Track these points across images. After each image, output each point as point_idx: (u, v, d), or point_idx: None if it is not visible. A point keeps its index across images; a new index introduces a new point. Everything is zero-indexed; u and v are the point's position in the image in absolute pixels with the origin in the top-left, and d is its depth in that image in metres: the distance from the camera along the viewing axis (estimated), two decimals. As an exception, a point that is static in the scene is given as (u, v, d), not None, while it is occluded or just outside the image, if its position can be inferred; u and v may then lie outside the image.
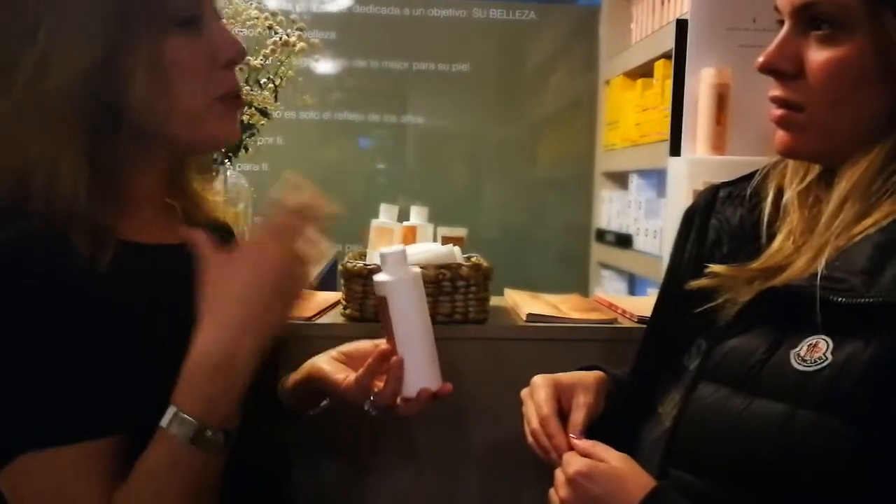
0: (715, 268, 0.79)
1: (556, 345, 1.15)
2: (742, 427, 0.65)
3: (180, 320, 0.73)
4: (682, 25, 1.42)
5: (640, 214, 2.35)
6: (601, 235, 2.70)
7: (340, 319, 1.17)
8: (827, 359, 0.62)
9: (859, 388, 0.59)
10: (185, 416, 0.65)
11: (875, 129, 0.68)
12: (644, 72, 2.44)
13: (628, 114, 2.49)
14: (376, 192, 2.81)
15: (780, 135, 0.75)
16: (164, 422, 0.65)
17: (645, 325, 1.14)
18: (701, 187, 1.38)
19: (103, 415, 0.66)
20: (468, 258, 1.17)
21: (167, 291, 0.73)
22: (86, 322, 0.65)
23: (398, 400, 0.85)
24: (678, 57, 1.43)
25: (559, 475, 0.75)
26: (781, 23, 0.72)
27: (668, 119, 2.10)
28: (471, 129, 2.91)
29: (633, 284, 2.55)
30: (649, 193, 2.38)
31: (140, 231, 0.76)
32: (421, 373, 0.84)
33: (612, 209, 2.64)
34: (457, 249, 1.14)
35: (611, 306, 1.28)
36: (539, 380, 0.88)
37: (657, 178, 2.42)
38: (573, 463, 0.73)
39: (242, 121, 1.11)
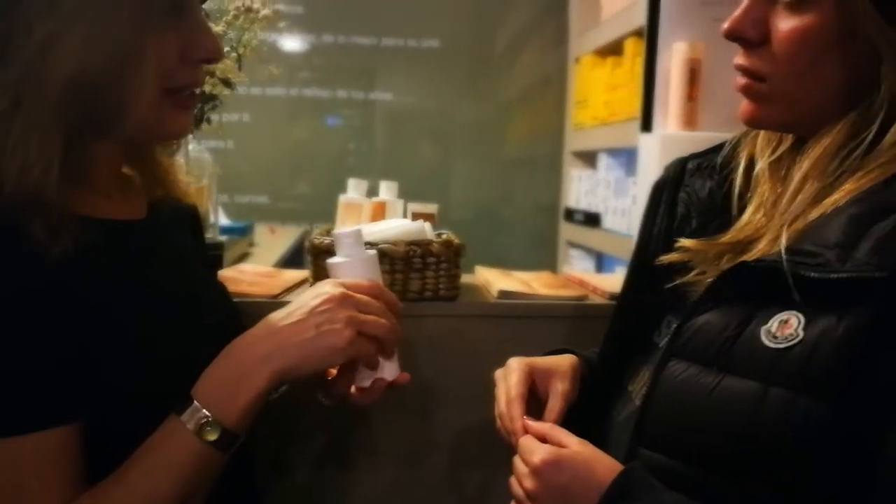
0: (684, 242, 0.78)
1: (527, 322, 1.14)
2: (712, 405, 0.64)
3: (141, 300, 0.71)
4: (654, 0, 1.40)
5: (609, 193, 2.35)
6: (570, 214, 2.69)
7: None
8: (798, 335, 0.61)
9: (832, 367, 0.58)
10: (208, 415, 0.65)
11: (839, 102, 0.67)
12: (614, 49, 2.42)
13: (598, 92, 2.48)
14: (344, 170, 2.76)
15: (744, 104, 0.74)
16: (185, 416, 0.65)
17: (615, 302, 1.14)
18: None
19: (59, 404, 0.63)
20: (439, 235, 1.15)
21: (125, 272, 0.71)
22: (40, 311, 0.63)
23: (352, 389, 0.81)
24: (651, 31, 1.41)
25: (519, 465, 0.73)
26: None
27: (639, 97, 2.09)
28: (440, 107, 2.88)
29: (601, 263, 2.56)
30: (618, 172, 2.38)
31: (98, 206, 0.73)
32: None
33: (581, 188, 2.64)
34: (428, 226, 1.12)
35: (581, 283, 1.27)
36: (514, 362, 0.86)
37: (626, 156, 2.41)
38: (537, 451, 0.70)
39: (204, 91, 1.07)
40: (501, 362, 1.11)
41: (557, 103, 2.87)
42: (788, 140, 0.75)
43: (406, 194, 1.28)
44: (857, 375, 0.57)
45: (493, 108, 2.95)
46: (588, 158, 2.70)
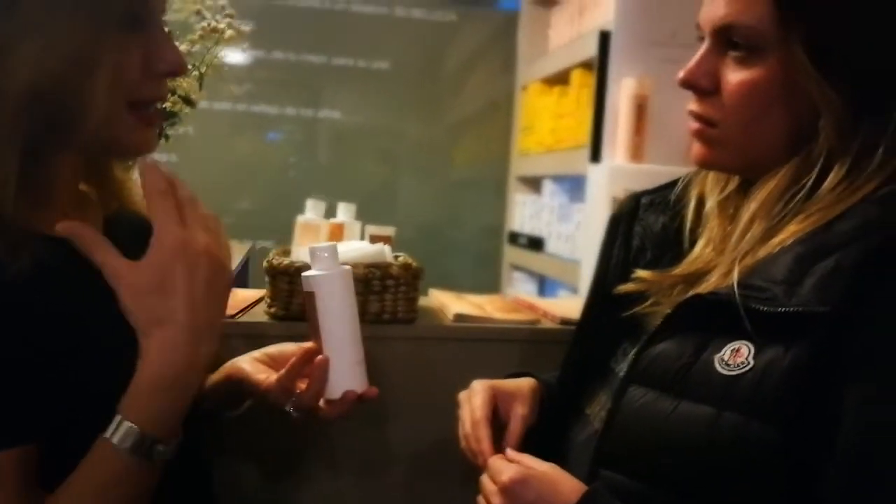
0: (640, 273, 0.83)
1: (482, 345, 1.16)
2: (670, 429, 0.68)
3: (96, 318, 0.70)
4: (605, 36, 1.46)
5: (553, 219, 2.41)
6: (514, 238, 2.75)
7: (264, 318, 1.14)
8: (749, 363, 0.65)
9: (780, 393, 0.62)
10: (134, 427, 0.63)
11: (784, 149, 0.72)
12: (561, 79, 2.50)
13: (544, 119, 2.55)
14: (289, 188, 2.75)
15: (696, 147, 0.79)
16: (110, 433, 0.63)
17: (566, 327, 1.18)
18: (620, 194, 1.43)
19: (14, 424, 0.63)
20: (396, 257, 1.17)
21: (80, 289, 0.70)
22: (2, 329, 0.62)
23: (321, 402, 0.82)
24: (601, 66, 1.47)
25: (487, 483, 0.75)
26: (702, 39, 0.76)
27: (584, 126, 2.17)
28: (388, 127, 2.91)
29: (544, 286, 2.62)
30: (562, 198, 2.45)
31: (52, 222, 0.71)
32: (346, 374, 0.81)
33: (525, 212, 2.70)
34: (387, 248, 1.13)
35: (531, 307, 1.30)
36: (477, 385, 0.88)
37: (570, 183, 2.49)
38: (505, 470, 0.73)
39: (165, 108, 1.07)
40: (458, 383, 1.13)
41: (504, 128, 2.94)
42: (735, 181, 0.81)
43: (367, 211, 1.29)
44: (803, 402, 0.62)
45: (440, 131, 2.99)
46: (533, 184, 2.77)
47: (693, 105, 0.77)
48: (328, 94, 2.78)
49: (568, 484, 0.71)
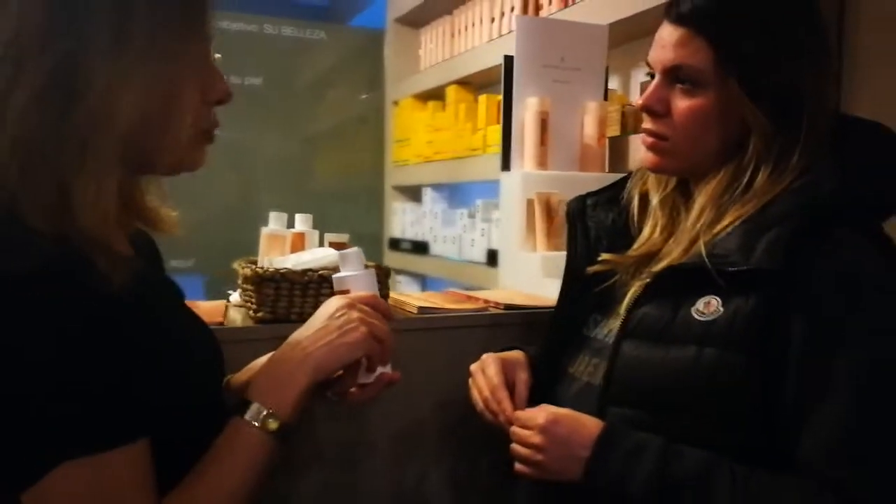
0: (605, 256, 1.03)
1: (445, 333, 1.31)
2: (665, 368, 0.88)
3: (171, 332, 0.77)
4: (508, 60, 1.67)
5: (437, 224, 2.60)
6: (395, 244, 2.90)
7: (249, 323, 1.20)
8: (720, 311, 0.87)
9: (745, 329, 0.84)
10: (266, 409, 0.75)
11: (720, 157, 0.95)
12: (435, 95, 2.70)
13: (420, 133, 2.73)
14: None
15: (649, 156, 0.99)
16: (248, 415, 0.75)
17: (511, 311, 1.36)
18: (532, 196, 1.65)
19: (139, 418, 0.68)
20: (362, 260, 1.28)
21: (159, 301, 0.78)
22: (112, 337, 0.67)
23: (352, 388, 0.91)
24: (506, 86, 1.68)
25: (520, 431, 0.91)
26: (652, 75, 0.98)
27: (463, 139, 2.38)
28: (259, 142, 2.93)
29: (425, 286, 2.80)
30: (443, 205, 2.65)
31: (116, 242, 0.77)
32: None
33: (405, 219, 2.86)
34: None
35: (470, 298, 1.47)
36: (488, 358, 1.05)
37: (449, 191, 2.69)
38: (538, 416, 0.90)
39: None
40: (428, 370, 1.27)
41: (376, 141, 3.08)
42: (673, 182, 1.03)
43: (229, 223, 1.34)
44: (763, 336, 0.84)
45: (312, 145, 3.06)
46: (410, 192, 2.94)
47: (648, 124, 0.98)
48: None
49: (589, 420, 0.89)
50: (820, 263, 0.84)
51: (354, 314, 0.83)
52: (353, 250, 0.94)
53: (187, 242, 1.02)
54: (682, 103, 0.93)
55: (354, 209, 3.06)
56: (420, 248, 2.69)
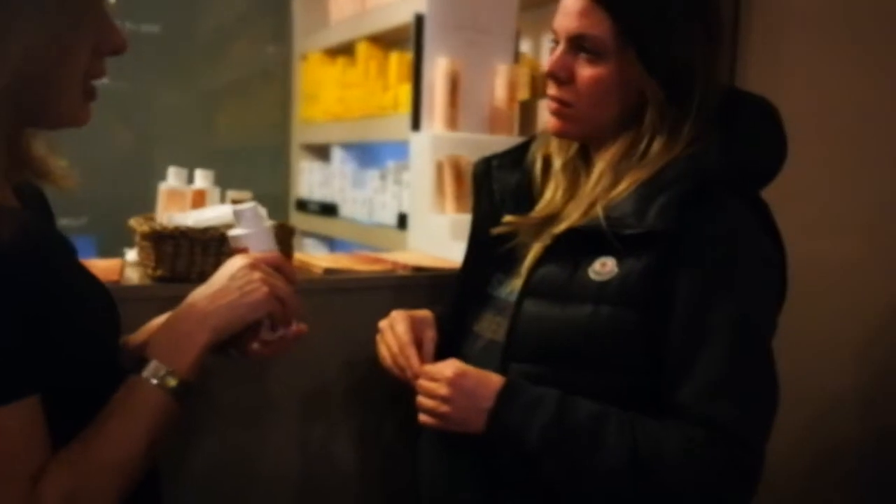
0: (508, 218, 1.05)
1: (352, 294, 1.30)
2: (563, 324, 0.92)
3: (68, 280, 0.75)
4: (419, 19, 1.65)
5: (346, 185, 2.56)
6: (303, 205, 2.83)
7: (147, 282, 1.15)
8: (615, 271, 0.92)
9: (638, 288, 0.90)
10: (165, 368, 0.74)
11: (619, 124, 0.99)
12: (345, 50, 2.63)
13: (329, 89, 2.66)
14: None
15: (553, 121, 1.02)
16: (146, 373, 0.73)
17: (419, 273, 1.37)
18: (441, 158, 1.64)
19: (30, 373, 0.66)
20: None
21: (48, 256, 0.74)
22: (6, 285, 0.65)
23: (255, 344, 0.89)
24: (417, 46, 1.66)
25: (427, 384, 0.93)
26: (556, 42, 0.99)
27: (374, 97, 2.34)
28: (156, 94, 2.79)
29: (334, 249, 2.76)
30: (353, 165, 2.60)
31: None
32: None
33: (313, 179, 2.80)
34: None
35: (378, 260, 1.46)
36: (397, 315, 1.05)
37: (360, 151, 2.65)
38: (445, 369, 0.92)
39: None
40: (334, 332, 1.26)
41: (282, 97, 2.97)
42: (575, 147, 1.06)
43: (123, 180, 1.31)
44: (653, 293, 0.89)
45: (210, 98, 2.93)
46: (318, 151, 2.87)
47: (552, 90, 1.00)
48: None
49: (493, 375, 0.93)
50: (703, 226, 0.91)
51: (256, 274, 0.82)
52: (249, 205, 0.90)
53: (79, 200, 0.98)
54: (585, 71, 0.96)
55: (259, 167, 2.96)
56: (328, 209, 2.64)
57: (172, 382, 0.74)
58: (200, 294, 0.81)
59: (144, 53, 2.64)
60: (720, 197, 0.92)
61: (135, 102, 2.68)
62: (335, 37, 2.65)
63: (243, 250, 0.90)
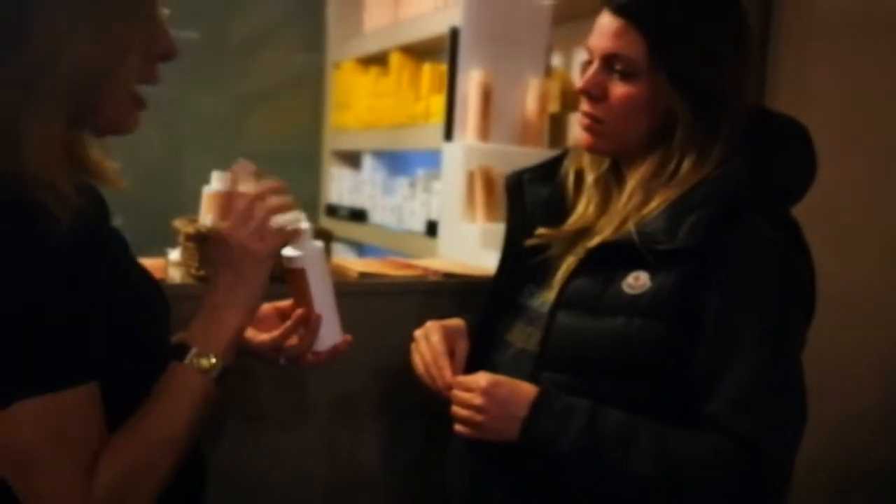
0: (542, 231, 1.09)
1: (385, 298, 1.34)
2: (596, 336, 0.95)
3: (124, 276, 0.80)
4: (455, 32, 1.69)
5: (377, 192, 2.61)
6: (333, 210, 2.89)
7: (189, 280, 1.20)
8: (648, 285, 0.94)
9: (670, 302, 0.92)
10: (201, 351, 0.78)
11: (648, 142, 1.02)
12: (378, 60, 2.68)
13: (361, 98, 2.71)
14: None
15: (585, 136, 1.05)
16: (187, 360, 0.78)
17: (449, 280, 1.40)
18: (473, 168, 1.68)
19: (91, 360, 0.70)
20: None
21: (106, 249, 0.78)
22: (70, 272, 0.68)
23: (308, 354, 0.95)
24: (451, 58, 1.70)
25: (462, 394, 0.96)
26: (590, 61, 1.02)
27: (406, 106, 2.39)
28: (192, 99, 2.84)
29: (363, 254, 2.81)
30: (383, 173, 2.65)
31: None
32: (331, 331, 0.96)
33: (343, 186, 2.85)
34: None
35: (409, 266, 1.50)
36: (431, 325, 1.09)
37: (390, 159, 2.70)
38: (480, 379, 0.95)
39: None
40: (366, 336, 1.29)
41: (314, 104, 3.03)
42: (607, 163, 1.09)
43: (158, 183, 1.33)
44: (684, 308, 0.92)
45: (244, 104, 2.99)
46: (349, 158, 2.92)
47: (585, 107, 1.04)
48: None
49: (526, 384, 0.95)
50: (732, 244, 0.93)
51: (240, 234, 0.83)
52: (306, 226, 0.94)
53: (115, 200, 1.03)
54: (617, 90, 0.99)
55: (290, 173, 2.92)
56: (358, 215, 2.69)
57: (208, 365, 0.78)
58: (213, 286, 0.84)
59: (183, 58, 2.70)
60: (749, 216, 0.94)
61: (170, 107, 2.75)
62: (368, 46, 2.71)
63: (300, 271, 0.93)
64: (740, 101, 0.99)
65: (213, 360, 0.79)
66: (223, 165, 1.52)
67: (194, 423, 0.77)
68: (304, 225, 0.94)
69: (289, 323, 0.94)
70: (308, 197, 3.01)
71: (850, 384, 1.60)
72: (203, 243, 1.17)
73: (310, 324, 0.93)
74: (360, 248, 2.82)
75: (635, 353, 0.93)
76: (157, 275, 1.20)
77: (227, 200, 0.87)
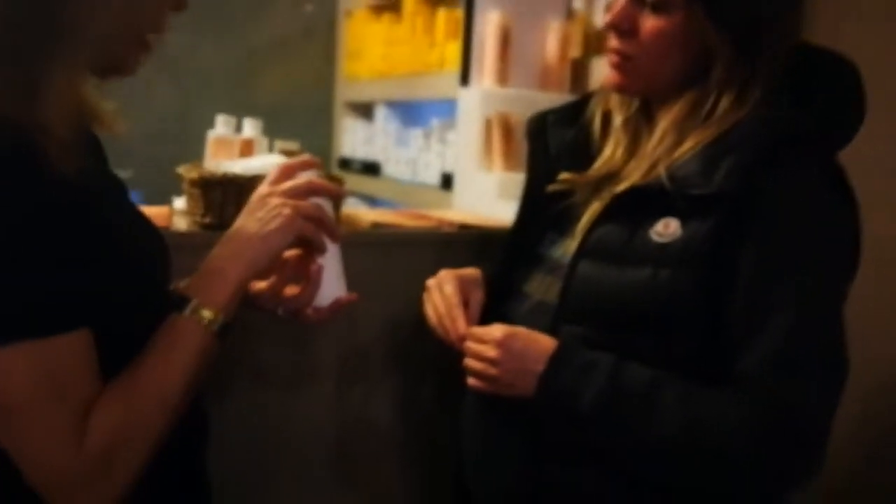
0: (565, 175, 1.02)
1: (398, 249, 1.28)
2: (620, 287, 0.89)
3: (124, 217, 0.78)
4: (472, -30, 1.60)
5: (390, 143, 2.54)
6: (346, 163, 2.82)
7: (195, 228, 1.15)
8: (679, 233, 0.88)
9: (702, 251, 0.85)
10: (202, 305, 0.74)
11: (682, 80, 0.94)
12: (390, 6, 2.59)
13: (374, 46, 2.63)
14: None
15: (613, 75, 0.98)
16: (186, 312, 0.74)
17: (465, 231, 1.34)
18: (490, 114, 1.61)
19: (84, 305, 0.66)
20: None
21: (105, 192, 0.76)
22: (62, 222, 0.65)
23: (308, 309, 0.89)
24: (468, 1, 1.62)
25: (475, 346, 0.91)
26: None
27: (420, 54, 2.30)
28: (200, 50, 2.76)
29: (376, 208, 2.75)
30: (396, 124, 2.58)
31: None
32: (334, 284, 0.89)
33: (356, 138, 2.78)
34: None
35: (423, 217, 1.44)
36: (445, 274, 1.03)
37: (404, 109, 2.62)
38: (494, 330, 0.90)
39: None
40: (378, 289, 1.25)
41: (325, 54, 2.95)
42: (636, 103, 1.02)
43: (167, 134, 1.31)
44: (718, 257, 0.85)
45: (255, 54, 2.91)
46: (362, 109, 2.85)
47: (613, 42, 0.96)
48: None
49: (544, 337, 0.90)
50: (773, 189, 0.86)
51: (274, 200, 0.81)
52: (309, 171, 0.87)
53: (124, 153, 0.99)
54: (648, 23, 0.92)
55: (303, 125, 2.93)
56: (371, 168, 2.63)
57: (209, 319, 0.74)
58: (230, 232, 0.81)
59: (191, 8, 2.61)
60: (792, 159, 0.87)
61: (180, 58, 2.68)
62: (381, -8, 2.61)
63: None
64: (784, 35, 0.92)
65: (215, 313, 0.75)
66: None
67: (191, 378, 0.73)
68: (308, 170, 0.87)
69: (286, 268, 0.88)
70: (321, 150, 2.95)
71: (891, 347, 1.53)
72: (208, 189, 1.11)
73: (310, 274, 0.87)
74: (374, 203, 2.77)
75: (662, 305, 0.86)
76: (161, 223, 1.16)
77: (288, 172, 0.84)
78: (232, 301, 0.77)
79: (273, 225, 0.79)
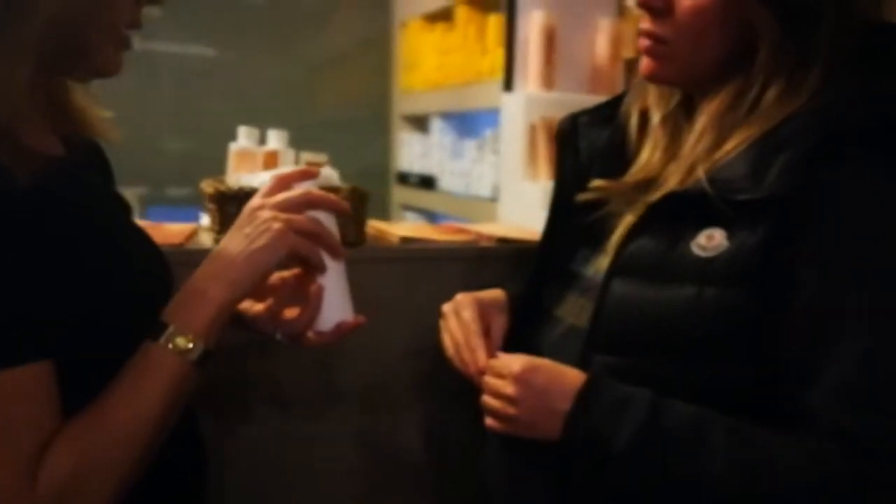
0: (597, 183, 0.90)
1: (429, 265, 1.20)
2: (658, 309, 0.77)
3: (95, 234, 0.71)
4: (513, -28, 1.52)
5: (445, 156, 2.47)
6: (403, 178, 2.78)
7: (212, 244, 1.10)
8: (724, 245, 0.75)
9: (751, 266, 0.73)
10: (178, 330, 0.68)
11: (724, 67, 0.82)
12: (444, 16, 2.53)
13: (428, 57, 2.58)
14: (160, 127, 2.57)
15: (646, 62, 0.86)
16: (162, 339, 0.67)
17: (503, 245, 1.25)
18: (535, 120, 1.51)
19: (48, 333, 0.62)
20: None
21: (75, 206, 0.70)
22: (19, 233, 0.61)
23: (310, 332, 0.81)
24: (510, 2, 1.53)
25: (493, 381, 0.81)
26: None
27: (473, 63, 2.23)
28: (258, 65, 2.78)
29: (435, 223, 2.69)
30: (452, 136, 2.51)
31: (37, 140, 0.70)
32: (337, 305, 0.81)
33: (412, 152, 2.73)
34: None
35: (461, 231, 1.36)
36: (463, 298, 0.93)
37: (459, 120, 2.55)
38: (514, 363, 0.79)
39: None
40: (408, 306, 1.17)
41: (381, 66, 2.91)
42: (677, 98, 0.90)
43: (222, 152, 1.29)
44: (770, 272, 0.73)
45: (312, 68, 2.90)
46: (418, 122, 2.80)
47: (646, 24, 0.84)
48: (194, 27, 2.61)
49: (571, 370, 0.78)
50: (835, 190, 0.73)
51: (264, 214, 0.73)
52: (308, 183, 0.79)
53: (185, 170, 0.95)
54: (685, 0, 0.79)
55: (361, 139, 2.91)
56: (427, 182, 2.56)
57: (185, 346, 0.67)
58: (216, 250, 0.74)
59: (249, 24, 2.64)
60: (857, 155, 0.74)
61: (238, 73, 2.70)
62: (434, 2, 2.56)
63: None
64: (846, 12, 0.78)
65: (193, 340, 0.68)
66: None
67: (166, 412, 0.66)
68: (307, 181, 0.80)
69: (284, 288, 0.81)
70: (379, 164, 2.91)
71: None
72: (224, 203, 1.07)
73: (310, 295, 0.79)
74: (431, 217, 2.70)
75: (707, 329, 0.74)
76: (176, 239, 1.12)
77: (283, 183, 0.77)
78: (212, 326, 0.69)
79: (260, 242, 0.71)
